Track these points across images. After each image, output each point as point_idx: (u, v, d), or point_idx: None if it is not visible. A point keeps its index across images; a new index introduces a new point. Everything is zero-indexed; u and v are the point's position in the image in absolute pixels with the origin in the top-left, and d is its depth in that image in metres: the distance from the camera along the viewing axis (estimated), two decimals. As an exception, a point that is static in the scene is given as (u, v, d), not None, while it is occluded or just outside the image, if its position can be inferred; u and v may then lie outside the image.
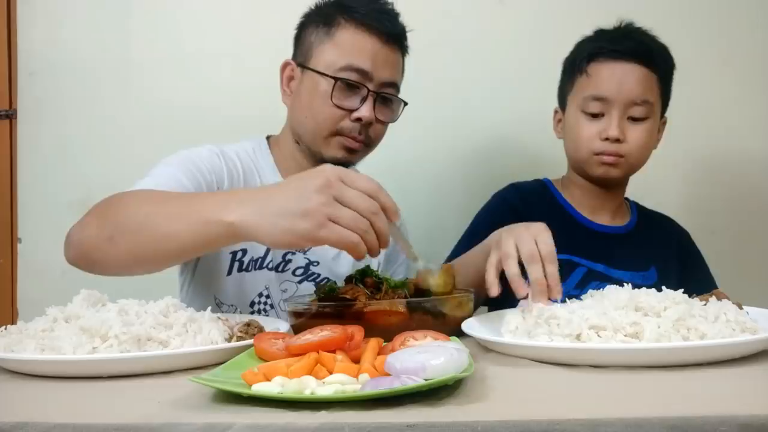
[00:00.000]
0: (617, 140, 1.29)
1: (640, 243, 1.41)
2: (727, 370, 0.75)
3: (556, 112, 1.44)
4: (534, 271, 0.98)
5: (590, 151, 1.33)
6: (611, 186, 1.39)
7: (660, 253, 1.41)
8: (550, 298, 0.98)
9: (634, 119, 1.30)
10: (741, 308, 0.88)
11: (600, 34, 1.37)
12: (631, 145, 1.31)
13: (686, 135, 1.77)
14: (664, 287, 0.90)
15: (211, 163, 1.24)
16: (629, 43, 1.31)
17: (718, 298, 0.90)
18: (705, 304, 0.86)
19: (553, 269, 0.99)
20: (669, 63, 1.35)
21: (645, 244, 1.41)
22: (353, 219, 0.84)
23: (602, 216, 1.41)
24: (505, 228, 1.08)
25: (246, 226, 0.87)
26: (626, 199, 1.49)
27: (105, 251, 0.98)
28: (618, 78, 1.30)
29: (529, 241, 1.01)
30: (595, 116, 1.32)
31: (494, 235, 1.12)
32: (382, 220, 0.86)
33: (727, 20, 1.80)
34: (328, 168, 0.87)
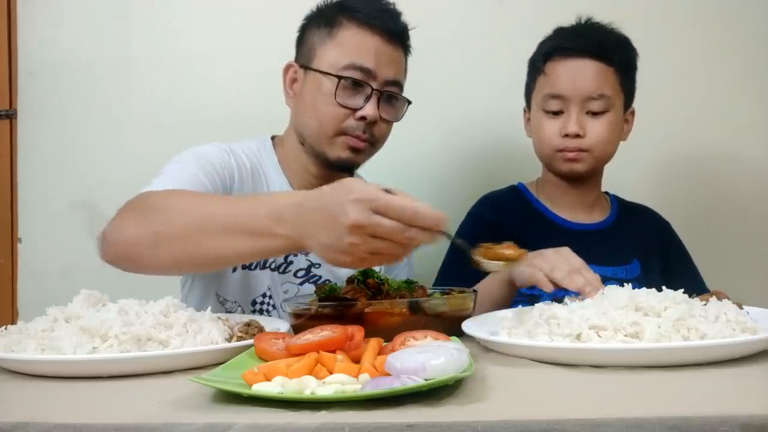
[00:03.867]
0: (577, 135, 1.32)
1: (620, 237, 1.42)
2: (727, 370, 0.75)
3: (525, 112, 1.45)
4: (578, 280, 1.03)
5: (553, 149, 1.35)
6: (583, 181, 1.40)
7: (641, 245, 1.42)
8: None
9: (594, 113, 1.32)
10: (741, 308, 0.88)
11: (558, 32, 1.39)
12: (592, 139, 1.32)
13: (687, 135, 1.77)
14: (664, 288, 0.90)
15: (221, 159, 1.25)
16: (582, 40, 1.33)
17: (719, 298, 0.90)
18: (705, 304, 0.86)
19: (590, 274, 1.04)
20: (627, 54, 1.37)
21: (625, 238, 1.42)
22: (391, 249, 0.83)
23: (579, 213, 1.42)
24: (530, 256, 1.10)
25: (301, 242, 0.87)
26: (606, 192, 1.49)
27: (149, 256, 0.99)
28: (572, 74, 1.32)
29: (562, 260, 1.07)
30: (555, 114, 1.34)
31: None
32: (424, 239, 0.82)
33: (726, 20, 1.80)
34: (356, 195, 0.80)
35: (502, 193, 1.49)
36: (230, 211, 0.96)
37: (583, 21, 1.38)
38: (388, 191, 0.82)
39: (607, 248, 1.38)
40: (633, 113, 1.41)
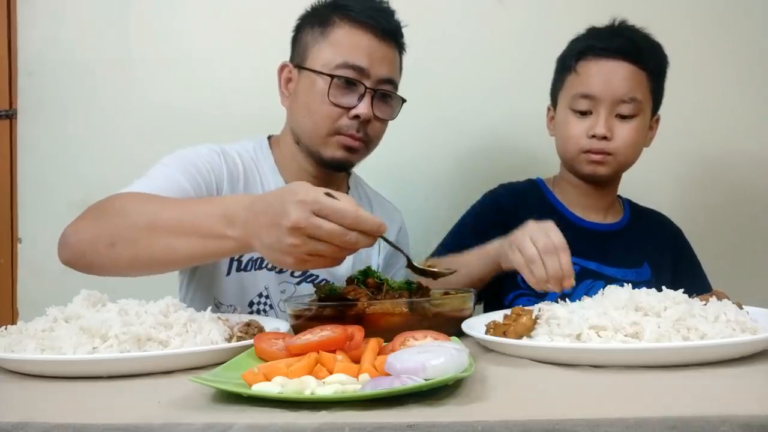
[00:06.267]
0: (604, 138, 1.30)
1: (633, 240, 1.41)
2: (727, 370, 0.75)
3: (549, 110, 1.44)
4: (551, 263, 1.02)
5: (578, 149, 1.33)
6: (602, 184, 1.39)
7: (653, 249, 1.42)
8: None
9: (623, 117, 1.31)
10: (741, 308, 0.88)
11: (591, 32, 1.37)
12: (618, 143, 1.31)
13: (687, 135, 1.77)
14: (664, 287, 0.90)
15: (211, 162, 1.25)
16: (618, 41, 1.31)
17: (718, 298, 0.90)
18: (705, 304, 0.86)
19: (566, 258, 1.02)
20: (660, 60, 1.35)
21: (638, 241, 1.41)
22: (331, 252, 0.86)
23: (594, 214, 1.42)
24: (515, 232, 1.10)
25: (249, 243, 0.91)
26: (619, 196, 1.49)
27: (105, 256, 1.01)
28: (605, 75, 1.30)
29: (543, 236, 1.04)
30: (583, 114, 1.32)
31: (498, 244, 1.14)
32: (364, 243, 0.86)
33: (727, 20, 1.80)
34: (299, 198, 0.83)
35: (520, 184, 1.49)
36: (185, 213, 0.99)
37: (617, 23, 1.36)
38: (331, 196, 0.85)
39: (619, 250, 1.38)
40: (658, 120, 1.39)
